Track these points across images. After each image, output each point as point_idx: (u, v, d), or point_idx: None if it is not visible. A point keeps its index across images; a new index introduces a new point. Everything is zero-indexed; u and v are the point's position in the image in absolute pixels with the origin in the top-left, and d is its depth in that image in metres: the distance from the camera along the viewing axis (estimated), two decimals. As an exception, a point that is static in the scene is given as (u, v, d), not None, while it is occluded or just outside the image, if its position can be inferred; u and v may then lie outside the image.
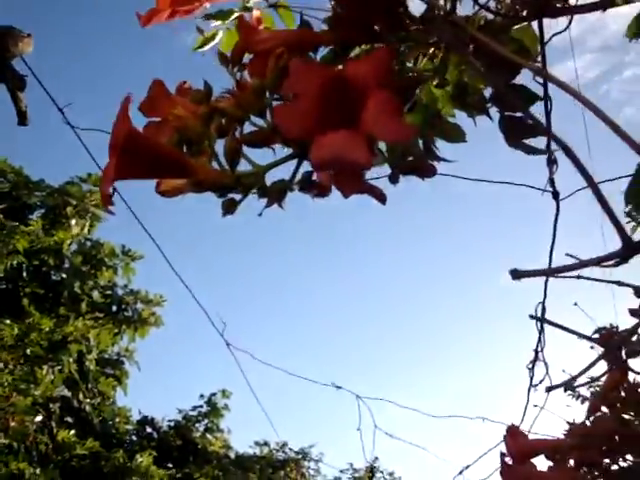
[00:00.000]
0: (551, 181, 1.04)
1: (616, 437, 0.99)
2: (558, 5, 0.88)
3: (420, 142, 0.71)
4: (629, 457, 1.56)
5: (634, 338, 0.87)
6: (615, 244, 0.50)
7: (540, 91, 0.70)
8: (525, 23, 0.83)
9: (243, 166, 0.56)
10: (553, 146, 0.98)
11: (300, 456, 9.42)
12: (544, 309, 1.34)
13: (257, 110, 0.54)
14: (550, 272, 0.46)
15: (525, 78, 0.72)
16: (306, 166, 0.57)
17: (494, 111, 0.68)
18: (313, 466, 9.45)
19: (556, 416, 1.02)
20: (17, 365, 5.14)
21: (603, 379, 0.99)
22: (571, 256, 0.46)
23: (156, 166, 0.52)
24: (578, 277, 0.50)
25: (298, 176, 0.58)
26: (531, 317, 0.77)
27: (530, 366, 1.36)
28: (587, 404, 1.00)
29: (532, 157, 0.67)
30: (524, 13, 0.80)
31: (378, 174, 0.61)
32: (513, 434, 1.00)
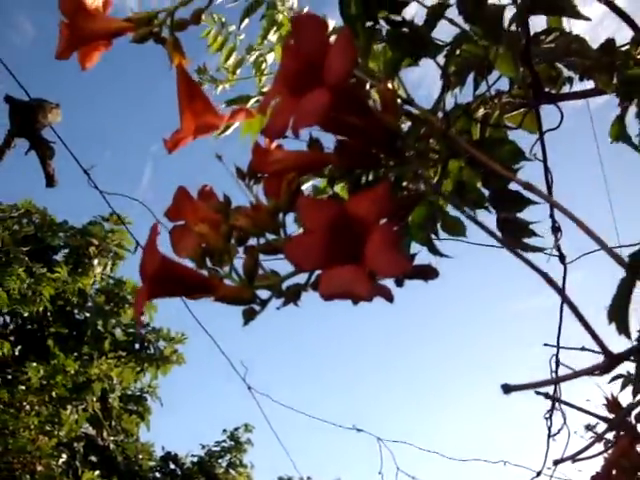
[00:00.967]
0: (557, 247, 1.09)
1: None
2: (553, 92, 0.94)
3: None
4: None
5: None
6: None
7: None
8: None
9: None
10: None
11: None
12: (557, 361, 1.37)
13: (271, 229, 0.60)
14: (541, 384, 0.50)
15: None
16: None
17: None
18: (337, 501, 9.32)
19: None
20: (42, 407, 5.21)
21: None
22: (566, 366, 0.50)
23: (182, 287, 0.58)
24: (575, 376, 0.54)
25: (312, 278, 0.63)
26: (544, 396, 0.80)
27: (547, 415, 1.39)
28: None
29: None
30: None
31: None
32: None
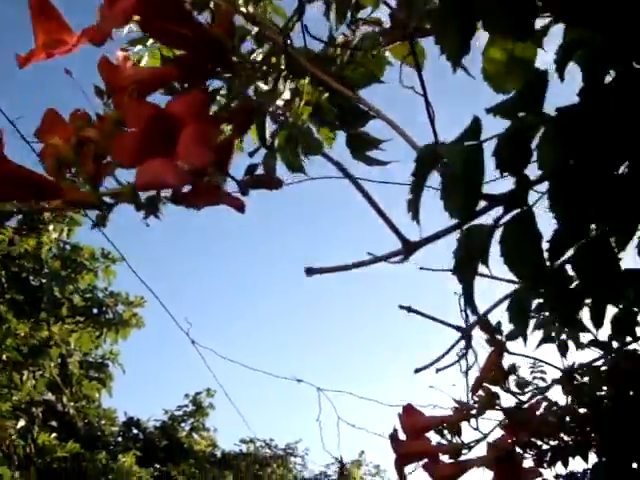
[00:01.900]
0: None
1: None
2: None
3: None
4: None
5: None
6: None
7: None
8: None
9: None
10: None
11: (286, 452, 9.53)
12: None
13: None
14: (342, 268, 0.56)
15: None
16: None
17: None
18: (299, 462, 9.57)
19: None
20: (-5, 371, 5.19)
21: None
22: (369, 253, 0.56)
23: (29, 190, 0.62)
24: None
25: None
26: (400, 307, 0.87)
27: (461, 353, 1.47)
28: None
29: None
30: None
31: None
32: (409, 412, 1.10)
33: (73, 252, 7.82)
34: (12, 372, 5.39)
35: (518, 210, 0.69)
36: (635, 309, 1.01)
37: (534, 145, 0.63)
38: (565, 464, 2.12)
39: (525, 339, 0.78)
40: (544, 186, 0.70)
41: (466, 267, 0.68)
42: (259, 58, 0.68)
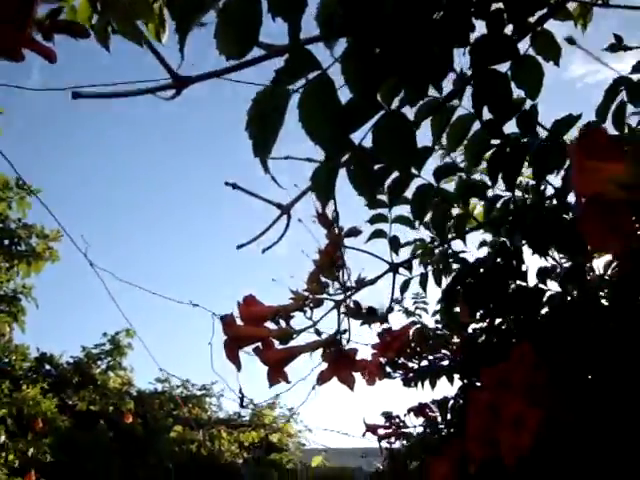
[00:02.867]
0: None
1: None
2: None
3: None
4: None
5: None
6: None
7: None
8: None
9: None
10: None
11: (202, 393, 9.63)
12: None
13: None
14: (109, 95, 0.56)
15: None
16: None
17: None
18: (215, 402, 9.69)
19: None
20: None
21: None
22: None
23: None
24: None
25: None
26: (226, 184, 0.88)
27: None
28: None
29: None
30: None
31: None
32: (248, 301, 1.13)
33: (-16, 180, 7.46)
34: None
35: (315, 73, 0.71)
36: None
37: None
38: (433, 384, 2.25)
39: (324, 207, 0.80)
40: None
41: (260, 127, 0.69)
42: None
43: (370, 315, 1.08)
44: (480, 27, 0.76)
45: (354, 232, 1.11)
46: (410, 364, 2.31)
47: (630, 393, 1.32)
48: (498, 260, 1.13)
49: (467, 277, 1.12)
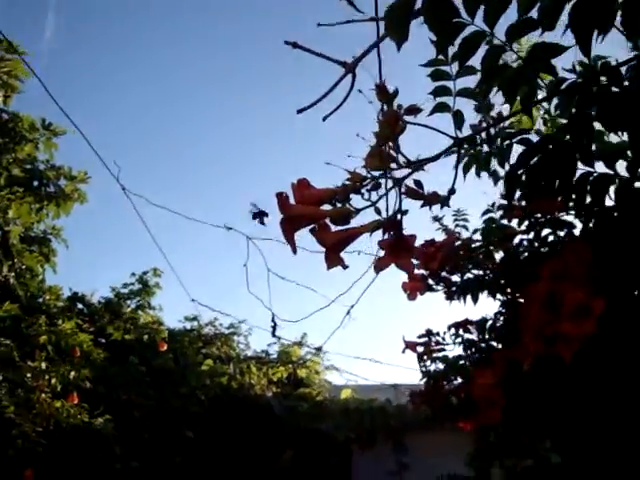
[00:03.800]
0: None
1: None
2: None
3: None
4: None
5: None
6: None
7: None
8: None
9: None
10: None
11: (230, 332, 9.80)
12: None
13: None
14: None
15: None
16: None
17: None
18: (243, 341, 9.87)
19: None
20: None
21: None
22: None
23: None
24: None
25: None
26: (286, 42, 0.82)
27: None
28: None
29: None
30: None
31: None
32: (302, 184, 1.09)
33: (11, 121, 7.43)
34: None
35: None
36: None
37: None
38: (475, 298, 2.21)
39: (399, 47, 0.74)
40: None
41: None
42: None
43: (432, 197, 1.03)
44: None
45: (414, 109, 1.04)
46: (453, 278, 2.27)
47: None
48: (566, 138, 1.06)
49: (533, 157, 1.05)
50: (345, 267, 1.07)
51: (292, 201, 1.06)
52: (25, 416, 4.90)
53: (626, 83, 0.99)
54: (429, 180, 1.10)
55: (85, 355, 5.85)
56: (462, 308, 2.35)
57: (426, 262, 1.96)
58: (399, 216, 1.02)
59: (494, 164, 1.89)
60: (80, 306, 9.10)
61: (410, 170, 1.00)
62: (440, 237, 2.50)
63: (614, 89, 0.99)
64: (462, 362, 2.69)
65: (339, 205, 1.05)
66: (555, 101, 1.02)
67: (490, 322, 2.56)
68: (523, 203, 2.05)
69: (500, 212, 2.22)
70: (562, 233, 2.10)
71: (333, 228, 1.07)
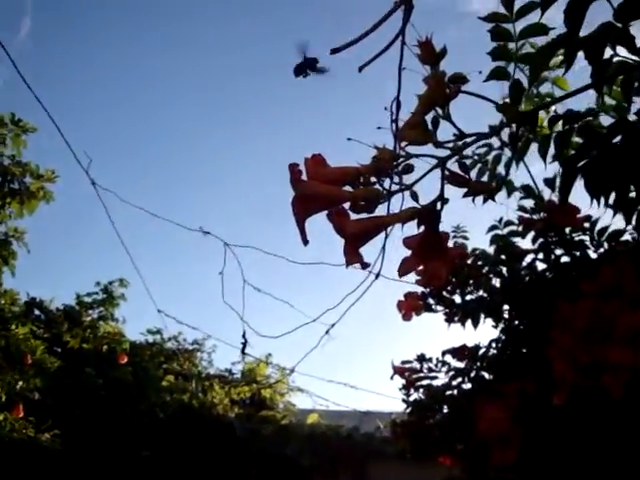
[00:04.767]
0: None
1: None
2: None
3: None
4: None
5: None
6: None
7: None
8: None
9: None
10: None
11: (194, 348, 9.46)
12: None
13: None
14: None
15: None
16: None
17: None
18: (206, 358, 9.53)
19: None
20: None
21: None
22: None
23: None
24: None
25: None
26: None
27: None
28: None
29: None
30: None
31: None
32: (317, 160, 0.88)
33: (-24, 114, 7.09)
34: None
35: None
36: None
37: None
38: (476, 322, 2.01)
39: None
40: None
41: None
42: None
43: (479, 185, 0.83)
44: None
45: (460, 78, 0.85)
46: (454, 298, 2.07)
47: None
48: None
49: (593, 148, 0.86)
50: (365, 266, 0.85)
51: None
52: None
53: None
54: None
55: (37, 363, 5.46)
56: (443, 334, 2.14)
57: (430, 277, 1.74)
58: (439, 205, 0.81)
59: (500, 169, 1.73)
60: (37, 312, 8.67)
61: (457, 148, 0.80)
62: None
63: None
64: (449, 392, 2.50)
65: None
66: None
67: (483, 350, 2.38)
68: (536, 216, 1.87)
69: (508, 228, 2.03)
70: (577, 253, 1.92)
71: (352, 217, 0.85)
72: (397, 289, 2.28)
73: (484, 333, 2.20)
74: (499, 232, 1.93)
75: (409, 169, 0.85)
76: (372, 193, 0.80)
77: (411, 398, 2.49)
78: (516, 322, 2.26)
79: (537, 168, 1.64)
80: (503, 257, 1.83)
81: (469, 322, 1.98)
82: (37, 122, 7.15)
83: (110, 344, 7.47)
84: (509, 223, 1.90)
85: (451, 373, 2.47)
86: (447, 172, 0.82)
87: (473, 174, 1.57)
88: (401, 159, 0.82)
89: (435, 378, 2.24)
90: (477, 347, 2.49)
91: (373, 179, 0.85)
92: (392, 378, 2.22)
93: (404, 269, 0.91)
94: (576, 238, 1.85)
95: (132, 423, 6.68)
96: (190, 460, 6.54)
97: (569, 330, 1.16)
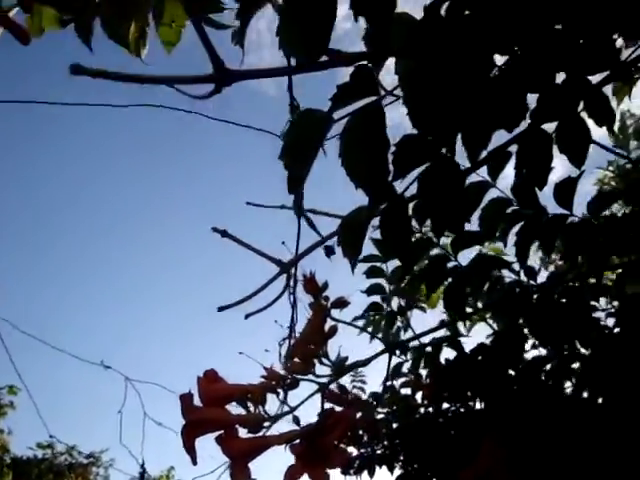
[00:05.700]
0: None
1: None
2: None
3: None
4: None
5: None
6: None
7: None
8: None
9: None
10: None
11: (89, 462, 8.80)
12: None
13: None
14: (115, 77, 0.40)
15: None
16: None
17: None
18: (102, 473, 8.86)
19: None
20: None
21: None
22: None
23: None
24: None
25: None
26: (214, 230, 0.71)
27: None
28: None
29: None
30: None
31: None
32: (209, 378, 0.94)
33: None
34: None
35: (367, 100, 0.57)
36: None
37: None
38: (371, 473, 2.06)
39: (354, 266, 0.66)
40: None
41: (296, 156, 0.54)
42: None
43: (356, 403, 0.91)
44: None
45: (341, 303, 0.95)
46: (349, 449, 2.11)
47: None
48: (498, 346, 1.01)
49: (462, 365, 0.98)
50: (251, 480, 0.90)
51: (197, 396, 0.90)
52: None
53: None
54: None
55: None
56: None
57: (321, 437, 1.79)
58: (321, 426, 0.88)
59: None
60: None
61: (335, 376, 0.89)
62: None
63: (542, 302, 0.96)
64: None
65: (250, 406, 0.90)
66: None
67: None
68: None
69: (401, 380, 2.14)
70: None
71: (242, 433, 0.91)
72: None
73: (380, 481, 2.24)
74: (394, 383, 2.03)
75: (294, 385, 0.92)
76: (257, 418, 0.86)
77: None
78: (415, 466, 2.32)
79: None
80: (395, 408, 1.92)
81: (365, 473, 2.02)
82: None
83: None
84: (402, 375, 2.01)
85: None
86: (328, 393, 0.90)
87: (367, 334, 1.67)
88: (288, 380, 0.90)
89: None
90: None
91: (261, 397, 0.91)
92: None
93: (291, 476, 0.96)
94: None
95: None
96: None
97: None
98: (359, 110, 0.57)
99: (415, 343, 1.09)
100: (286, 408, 0.93)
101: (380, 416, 2.10)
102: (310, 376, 0.90)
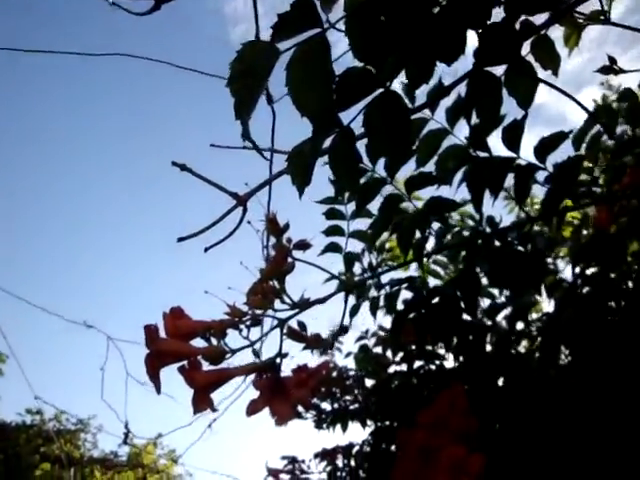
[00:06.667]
0: None
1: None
2: None
3: None
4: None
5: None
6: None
7: None
8: None
9: None
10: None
11: (77, 428, 8.90)
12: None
13: None
14: None
15: None
16: None
17: None
18: (90, 439, 8.97)
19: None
20: None
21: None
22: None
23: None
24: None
25: None
26: (174, 164, 0.74)
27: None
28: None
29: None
30: None
31: None
32: (175, 314, 0.97)
33: None
34: None
35: (312, 32, 0.60)
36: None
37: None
38: (344, 427, 2.13)
39: (301, 193, 0.69)
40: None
41: (242, 82, 0.57)
42: None
43: (315, 340, 0.96)
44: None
45: (304, 245, 0.99)
46: (323, 405, 2.18)
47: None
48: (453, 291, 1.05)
49: (420, 307, 1.02)
50: (214, 410, 0.94)
51: (162, 333, 0.94)
52: None
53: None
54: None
55: None
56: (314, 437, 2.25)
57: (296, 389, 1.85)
58: (279, 360, 0.93)
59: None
60: None
61: (294, 311, 0.93)
62: (310, 357, 2.44)
63: (500, 247, 1.00)
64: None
65: (214, 341, 0.94)
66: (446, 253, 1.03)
67: (357, 448, 2.49)
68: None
69: (374, 339, 2.20)
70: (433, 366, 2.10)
71: (205, 365, 0.95)
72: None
73: (352, 436, 2.30)
74: (367, 342, 2.09)
75: (257, 323, 0.96)
76: (217, 351, 0.90)
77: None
78: (386, 423, 2.39)
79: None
80: (369, 368, 1.98)
81: (338, 426, 2.09)
82: None
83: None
84: (375, 334, 2.06)
85: (326, 471, 2.54)
86: (287, 330, 0.94)
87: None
88: (248, 317, 0.93)
89: (308, 480, 2.31)
90: (351, 445, 2.59)
91: (225, 332, 0.95)
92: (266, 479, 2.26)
93: (252, 409, 1.01)
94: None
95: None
96: None
97: (406, 456, 1.29)
98: (303, 42, 0.60)
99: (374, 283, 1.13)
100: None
101: (352, 372, 2.17)
102: (270, 312, 0.94)
